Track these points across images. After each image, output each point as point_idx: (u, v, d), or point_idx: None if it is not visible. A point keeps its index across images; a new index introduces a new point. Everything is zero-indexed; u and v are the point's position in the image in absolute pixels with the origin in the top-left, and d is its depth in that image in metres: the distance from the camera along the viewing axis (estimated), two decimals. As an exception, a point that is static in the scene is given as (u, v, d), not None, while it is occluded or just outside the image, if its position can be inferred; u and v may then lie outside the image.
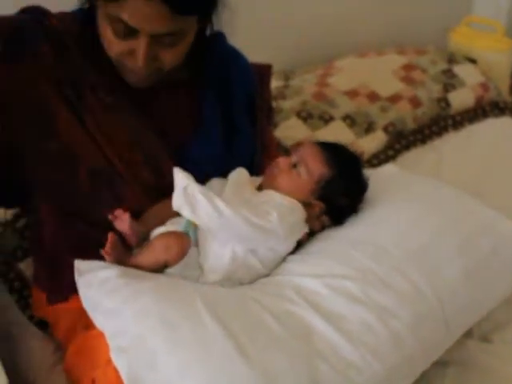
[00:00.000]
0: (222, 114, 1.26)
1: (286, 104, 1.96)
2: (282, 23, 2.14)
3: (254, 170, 1.25)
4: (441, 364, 1.13)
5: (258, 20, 2.05)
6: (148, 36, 1.05)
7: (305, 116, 1.92)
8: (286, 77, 2.10)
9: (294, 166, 1.19)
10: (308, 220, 1.16)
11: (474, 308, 1.15)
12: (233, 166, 1.21)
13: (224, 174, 1.20)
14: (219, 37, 1.30)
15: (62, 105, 1.11)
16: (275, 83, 2.04)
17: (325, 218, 1.19)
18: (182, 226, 1.08)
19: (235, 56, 1.34)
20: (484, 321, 1.21)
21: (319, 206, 1.18)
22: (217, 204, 1.04)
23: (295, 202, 1.15)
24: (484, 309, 1.17)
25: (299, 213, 1.15)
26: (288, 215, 1.11)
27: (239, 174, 1.21)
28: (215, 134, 1.24)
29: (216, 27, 1.21)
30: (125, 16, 1.02)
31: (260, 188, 1.21)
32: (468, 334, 1.19)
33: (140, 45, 1.06)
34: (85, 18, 1.15)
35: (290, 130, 1.89)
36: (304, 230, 1.16)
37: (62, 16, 1.17)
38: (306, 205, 1.17)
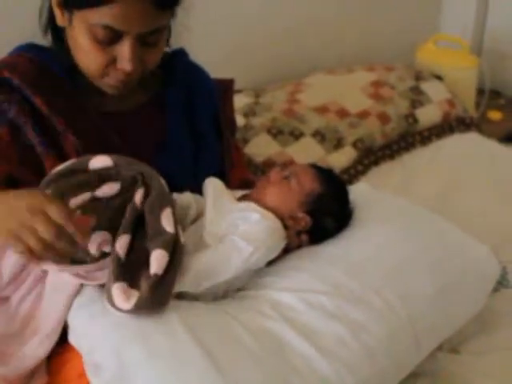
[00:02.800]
0: (187, 128, 1.27)
1: (256, 121, 1.97)
2: (252, 41, 2.16)
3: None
4: (412, 375, 1.14)
5: (228, 37, 2.08)
6: (134, 38, 1.05)
7: (275, 132, 1.94)
8: (257, 94, 2.11)
9: (286, 178, 1.20)
10: (287, 236, 1.16)
11: (444, 326, 1.16)
12: (201, 179, 1.20)
13: (192, 186, 1.19)
14: (181, 52, 1.32)
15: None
16: (245, 100, 2.06)
17: (304, 237, 1.19)
18: None
19: (197, 71, 1.35)
20: (453, 334, 1.23)
21: (305, 220, 1.17)
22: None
23: (275, 220, 1.13)
24: (453, 327, 1.19)
25: (278, 233, 1.13)
26: (268, 239, 1.10)
27: (214, 185, 1.19)
28: (182, 147, 1.25)
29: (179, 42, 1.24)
30: (109, 20, 1.02)
31: (242, 198, 1.20)
32: (438, 347, 1.20)
33: (126, 48, 1.06)
34: (39, 48, 1.16)
35: (260, 147, 1.90)
36: (281, 247, 1.15)
37: (13, 64, 1.15)
38: (292, 218, 1.17)
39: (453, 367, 1.19)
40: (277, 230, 1.13)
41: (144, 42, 1.08)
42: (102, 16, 1.02)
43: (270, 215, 1.14)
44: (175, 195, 1.15)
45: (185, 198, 1.17)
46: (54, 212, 0.91)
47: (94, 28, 1.04)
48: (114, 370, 0.94)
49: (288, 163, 1.80)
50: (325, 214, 1.19)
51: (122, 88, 1.14)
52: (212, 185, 1.19)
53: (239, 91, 2.11)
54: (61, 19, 1.12)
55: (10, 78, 1.11)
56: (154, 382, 0.92)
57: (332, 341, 1.00)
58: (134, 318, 0.96)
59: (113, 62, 1.09)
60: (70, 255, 0.98)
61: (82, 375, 0.97)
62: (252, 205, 1.15)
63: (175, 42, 1.28)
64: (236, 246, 1.06)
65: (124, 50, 1.06)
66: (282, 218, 1.15)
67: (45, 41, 1.20)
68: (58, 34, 1.16)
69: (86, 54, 1.09)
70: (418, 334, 1.08)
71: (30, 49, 1.18)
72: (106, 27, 1.03)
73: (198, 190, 1.19)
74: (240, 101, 2.06)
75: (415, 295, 1.11)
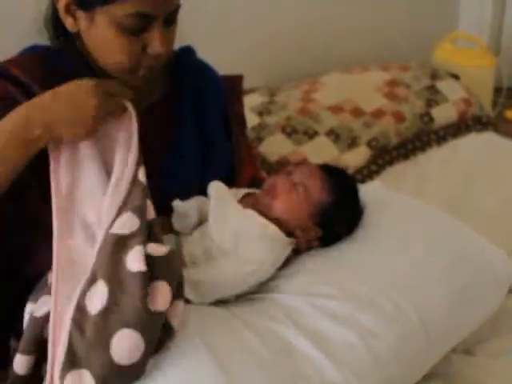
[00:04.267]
0: (197, 127, 1.27)
1: (271, 119, 1.97)
2: (266, 39, 2.15)
3: (232, 182, 1.25)
4: (424, 377, 1.13)
5: (242, 35, 2.08)
6: (162, 19, 1.07)
7: (289, 131, 1.93)
8: (271, 93, 2.11)
9: (293, 186, 1.16)
10: (297, 242, 1.15)
11: (458, 330, 1.15)
12: (210, 179, 1.19)
13: (201, 187, 1.19)
14: (188, 50, 1.33)
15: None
16: (260, 99, 2.06)
17: (315, 243, 1.18)
18: (172, 243, 1.10)
19: (204, 68, 1.35)
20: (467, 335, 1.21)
21: (315, 231, 1.16)
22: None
23: (276, 233, 1.12)
24: (467, 330, 1.18)
25: (280, 244, 1.12)
26: (270, 255, 1.10)
27: (218, 191, 1.17)
28: (191, 147, 1.25)
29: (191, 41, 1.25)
30: (140, 7, 1.04)
31: (246, 202, 1.19)
32: (452, 348, 1.19)
33: (157, 31, 1.07)
34: (48, 52, 1.17)
35: (274, 146, 1.89)
36: (286, 254, 1.14)
37: (22, 62, 1.16)
38: (302, 229, 1.15)
39: (467, 369, 1.18)
40: (278, 242, 1.12)
41: (167, 21, 1.09)
42: (126, 7, 1.03)
43: (271, 228, 1.11)
44: (176, 203, 1.14)
45: (186, 205, 1.15)
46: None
47: (122, 19, 1.05)
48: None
49: (300, 162, 1.80)
50: (335, 223, 1.18)
51: (149, 77, 1.15)
52: (215, 190, 1.16)
53: (254, 90, 2.11)
54: (72, 24, 1.11)
55: (19, 75, 1.12)
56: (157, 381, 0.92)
57: (341, 346, 0.99)
58: None
59: (143, 49, 1.10)
60: None
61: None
62: (254, 216, 1.12)
63: (188, 40, 1.28)
64: (241, 264, 1.06)
65: (155, 34, 1.07)
66: (290, 228, 1.14)
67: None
68: (67, 40, 1.17)
69: (116, 49, 1.09)
70: (431, 339, 1.07)
71: (37, 49, 1.19)
72: (136, 15, 1.04)
73: (206, 189, 1.18)
74: (254, 99, 2.06)
75: (428, 299, 1.10)
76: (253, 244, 1.09)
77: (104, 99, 1.05)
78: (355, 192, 1.24)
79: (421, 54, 2.38)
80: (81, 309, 0.91)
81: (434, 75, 2.22)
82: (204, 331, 0.96)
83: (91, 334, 0.88)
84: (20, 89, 1.11)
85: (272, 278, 1.13)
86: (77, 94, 1.05)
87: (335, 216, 1.17)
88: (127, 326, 0.87)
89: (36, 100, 1.05)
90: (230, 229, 1.10)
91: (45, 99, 1.05)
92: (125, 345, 0.87)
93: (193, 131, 1.26)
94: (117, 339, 0.87)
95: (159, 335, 0.91)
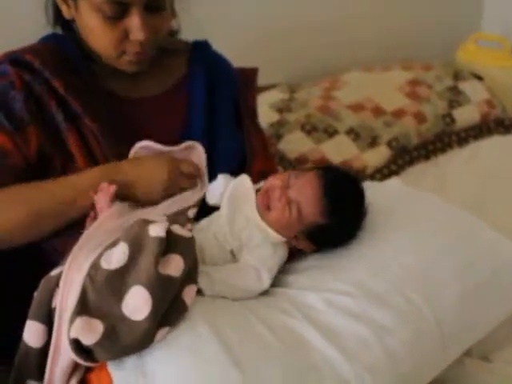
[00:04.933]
0: (207, 117, 1.28)
1: (291, 117, 1.97)
2: (289, 34, 2.15)
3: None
4: (437, 381, 1.11)
5: (264, 31, 2.07)
6: (140, 5, 1.09)
7: (309, 129, 1.93)
8: (292, 90, 2.10)
9: (287, 203, 1.10)
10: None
11: (473, 329, 1.13)
12: (217, 169, 1.22)
13: (211, 176, 1.22)
14: (203, 43, 1.36)
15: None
16: (280, 96, 2.06)
17: (309, 251, 1.17)
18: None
19: (219, 60, 1.37)
20: (484, 340, 1.19)
21: (307, 245, 1.14)
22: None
23: (278, 239, 1.12)
24: (482, 330, 1.16)
25: (281, 249, 1.13)
26: (276, 258, 1.11)
27: (241, 185, 1.17)
28: (200, 136, 1.25)
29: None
30: None
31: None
32: (467, 352, 1.17)
33: (135, 18, 1.10)
34: (60, 37, 1.22)
35: (294, 143, 1.89)
36: (286, 254, 1.14)
37: (35, 48, 1.20)
38: (295, 238, 1.13)
39: (482, 375, 1.16)
40: (279, 247, 1.12)
41: (150, 8, 1.11)
42: None
43: (272, 235, 1.11)
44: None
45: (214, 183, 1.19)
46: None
47: (100, 6, 1.09)
48: (134, 365, 0.94)
49: (318, 161, 1.80)
50: (329, 241, 1.14)
51: (140, 63, 1.18)
52: (239, 184, 1.16)
53: (274, 86, 2.10)
54: (67, 11, 1.17)
55: (32, 61, 1.16)
56: (173, 378, 0.92)
57: (354, 342, 0.98)
58: None
59: (126, 35, 1.13)
60: None
61: (104, 366, 0.97)
62: (258, 223, 1.11)
63: (208, 34, 1.31)
64: (251, 267, 1.07)
65: (134, 20, 1.10)
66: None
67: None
68: (68, 27, 1.22)
69: (100, 35, 1.13)
70: (445, 338, 1.06)
71: (51, 38, 1.24)
72: (112, 1, 1.08)
73: (213, 178, 1.21)
74: (274, 96, 2.05)
75: (443, 297, 1.08)
76: (258, 248, 1.09)
77: (175, 177, 1.16)
78: (357, 207, 1.16)
79: (444, 55, 2.37)
80: (96, 266, 0.96)
81: (457, 76, 2.20)
82: (216, 323, 0.96)
83: (106, 287, 0.94)
84: (34, 76, 1.15)
85: (285, 273, 1.12)
86: (153, 168, 1.16)
87: (328, 235, 1.13)
88: (140, 283, 0.93)
89: (111, 165, 1.14)
90: (239, 230, 1.11)
91: (122, 165, 1.15)
92: (135, 300, 0.93)
93: (204, 120, 1.27)
94: (130, 295, 0.93)
95: (169, 300, 0.94)
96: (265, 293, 1.09)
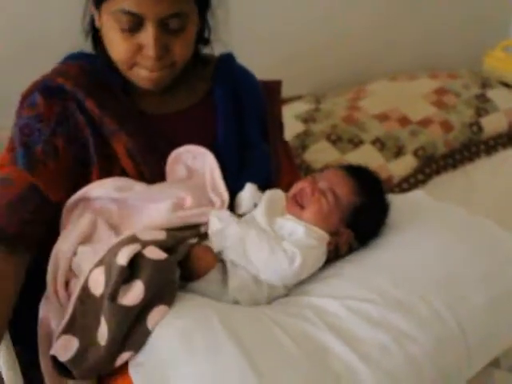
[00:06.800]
0: (235, 131, 1.28)
1: (316, 127, 1.97)
2: (314, 45, 2.15)
3: (270, 187, 1.25)
4: (464, 392, 1.11)
5: (289, 42, 2.08)
6: (154, 21, 1.09)
7: (334, 139, 1.93)
8: (317, 100, 2.10)
9: (321, 193, 1.17)
10: (336, 246, 1.16)
11: (498, 338, 1.12)
12: (244, 181, 1.23)
13: (235, 188, 1.22)
14: (228, 56, 1.35)
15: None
16: (306, 107, 2.06)
17: (353, 242, 1.18)
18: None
19: (244, 73, 1.37)
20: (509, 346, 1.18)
21: (347, 234, 1.17)
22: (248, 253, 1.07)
23: (322, 235, 1.13)
24: (508, 339, 1.15)
25: (322, 248, 1.13)
26: (310, 256, 1.10)
27: (275, 194, 1.21)
28: (229, 149, 1.26)
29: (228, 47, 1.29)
30: (127, 5, 1.08)
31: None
32: (495, 364, 1.16)
33: (148, 34, 1.10)
34: (89, 55, 1.23)
35: (319, 154, 1.89)
36: (323, 260, 1.15)
37: (65, 70, 1.20)
38: (334, 233, 1.16)
39: (511, 387, 1.15)
40: (320, 244, 1.13)
41: (167, 28, 1.12)
42: (120, 2, 1.08)
43: (314, 230, 1.13)
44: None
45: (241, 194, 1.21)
46: None
47: (117, 16, 1.10)
48: (154, 367, 0.95)
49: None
50: (365, 222, 1.18)
51: (154, 81, 1.17)
52: (272, 192, 1.20)
53: (299, 97, 2.11)
54: (97, 21, 1.18)
55: (64, 84, 1.17)
56: (192, 380, 0.92)
57: (376, 349, 0.98)
58: (178, 321, 0.97)
59: (139, 49, 1.13)
60: None
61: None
62: (299, 222, 1.14)
63: (233, 47, 1.31)
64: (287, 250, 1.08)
65: (147, 36, 1.11)
66: None
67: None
68: (98, 37, 1.22)
69: (116, 46, 1.14)
70: (469, 346, 1.04)
71: (79, 57, 1.25)
72: (127, 13, 1.09)
73: (240, 190, 1.22)
74: (300, 107, 2.06)
75: (466, 304, 1.07)
76: (298, 239, 1.11)
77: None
78: (380, 189, 1.25)
79: (471, 63, 2.35)
80: (85, 290, 1.02)
81: (485, 83, 2.18)
82: (235, 328, 0.96)
83: (91, 312, 1.00)
84: (69, 102, 1.16)
85: (305, 281, 1.12)
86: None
87: (365, 215, 1.18)
88: (103, 312, 0.98)
89: None
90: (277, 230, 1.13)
91: None
92: (102, 328, 0.98)
93: (232, 134, 1.27)
94: (102, 321, 0.98)
95: (126, 328, 0.97)
96: (284, 300, 1.09)
